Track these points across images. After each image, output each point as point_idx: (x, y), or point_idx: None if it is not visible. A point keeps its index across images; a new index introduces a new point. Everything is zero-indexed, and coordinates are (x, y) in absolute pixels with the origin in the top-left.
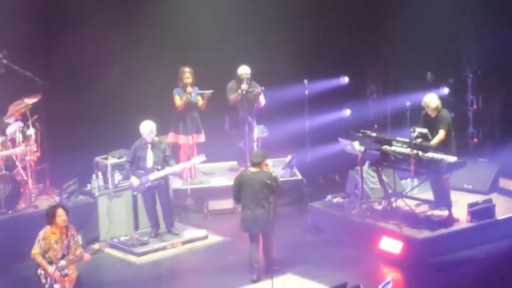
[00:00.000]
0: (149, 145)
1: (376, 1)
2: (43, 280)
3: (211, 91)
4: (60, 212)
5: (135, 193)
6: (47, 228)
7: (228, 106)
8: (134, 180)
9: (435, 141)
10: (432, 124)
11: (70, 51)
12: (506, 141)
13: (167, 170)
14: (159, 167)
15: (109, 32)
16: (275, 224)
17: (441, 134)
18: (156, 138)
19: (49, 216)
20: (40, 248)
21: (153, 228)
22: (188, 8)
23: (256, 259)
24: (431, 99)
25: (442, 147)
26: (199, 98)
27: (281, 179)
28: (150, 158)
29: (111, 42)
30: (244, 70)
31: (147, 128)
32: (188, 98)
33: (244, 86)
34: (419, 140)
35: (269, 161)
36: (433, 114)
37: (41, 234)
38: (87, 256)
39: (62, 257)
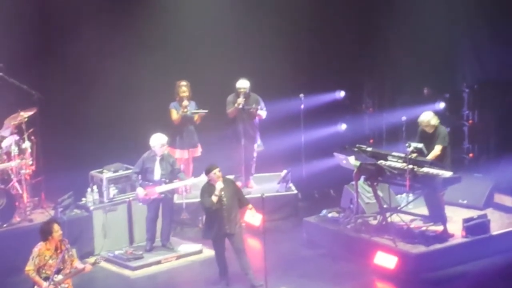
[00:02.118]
0: (158, 158)
1: (373, 16)
2: None
3: (206, 111)
4: (56, 227)
5: (139, 204)
6: (41, 245)
7: (228, 119)
8: (140, 191)
9: (430, 156)
10: (428, 139)
11: (66, 65)
12: (501, 156)
13: (176, 184)
14: (167, 180)
15: (105, 46)
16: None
17: (437, 149)
18: (166, 152)
19: (45, 233)
20: (34, 265)
21: (148, 241)
22: (186, 21)
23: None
24: (429, 117)
25: (438, 162)
26: (196, 116)
27: (276, 193)
28: (157, 171)
29: (107, 57)
30: (241, 84)
31: (159, 141)
32: (184, 112)
33: (240, 100)
34: (414, 155)
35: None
36: (430, 131)
37: (35, 251)
38: (88, 267)
39: (58, 272)
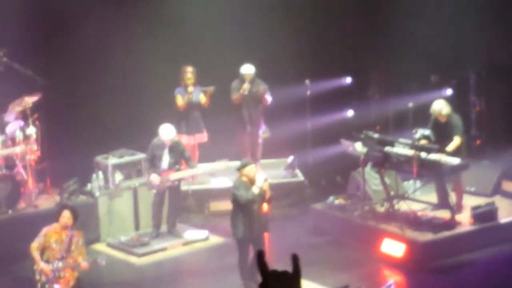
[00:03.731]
0: (167, 146)
1: (380, 2)
2: (37, 277)
3: (213, 87)
4: (65, 213)
5: (154, 191)
6: (52, 226)
7: (233, 105)
8: (155, 178)
9: (451, 147)
10: (442, 129)
11: (71, 50)
12: (510, 143)
13: (188, 171)
14: (179, 168)
15: (111, 31)
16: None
17: (457, 140)
18: (174, 139)
19: (55, 214)
20: (39, 243)
21: (154, 228)
22: (191, 7)
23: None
24: (442, 106)
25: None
26: (202, 96)
27: (282, 180)
28: (166, 159)
29: (113, 41)
30: (246, 70)
31: (167, 135)
32: (189, 98)
33: (246, 86)
34: (421, 141)
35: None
36: (443, 120)
37: (44, 230)
38: (84, 264)
39: (61, 259)
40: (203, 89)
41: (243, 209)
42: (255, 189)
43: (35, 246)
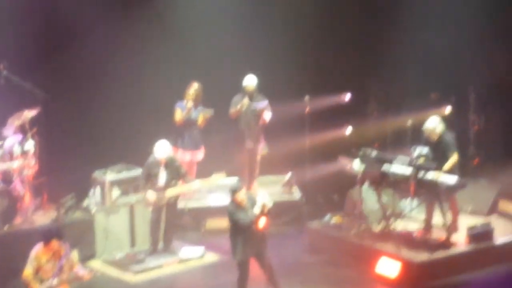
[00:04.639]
0: (163, 164)
1: (379, 19)
2: None
3: (212, 111)
4: (54, 243)
5: (150, 208)
6: (39, 247)
7: (232, 120)
8: (151, 195)
9: (448, 166)
10: (435, 148)
11: (71, 64)
12: (508, 162)
13: (184, 187)
14: (176, 184)
15: (110, 46)
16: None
17: (455, 157)
18: (170, 156)
19: (44, 238)
20: (33, 269)
21: (151, 245)
22: (191, 23)
23: None
24: (434, 125)
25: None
26: (200, 116)
27: (279, 197)
28: (163, 176)
29: (112, 56)
30: (247, 82)
31: (162, 153)
32: (188, 114)
33: (245, 101)
34: (420, 160)
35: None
36: (435, 138)
37: (33, 253)
38: (87, 276)
39: (55, 276)
40: (202, 111)
41: (242, 230)
42: (256, 209)
43: (30, 272)
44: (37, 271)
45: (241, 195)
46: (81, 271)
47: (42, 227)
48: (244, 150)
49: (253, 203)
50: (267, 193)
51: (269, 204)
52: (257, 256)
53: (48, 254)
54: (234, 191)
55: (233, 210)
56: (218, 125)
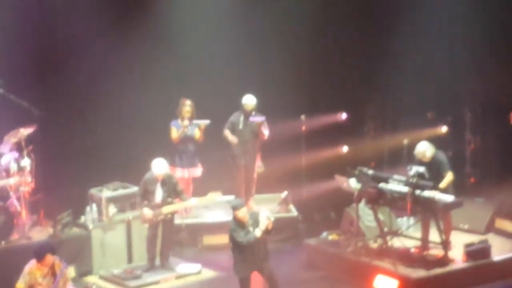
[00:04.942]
0: (160, 181)
1: (376, 38)
2: None
3: (208, 121)
4: (48, 258)
5: (146, 225)
6: (33, 264)
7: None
8: (147, 212)
9: (444, 184)
10: (429, 168)
11: (67, 83)
12: (503, 181)
13: (180, 204)
14: (172, 201)
15: (105, 64)
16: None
17: (450, 176)
18: (167, 173)
19: (37, 255)
20: (25, 283)
21: (148, 261)
22: (187, 40)
23: None
24: (425, 149)
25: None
26: (197, 131)
27: (276, 215)
28: (159, 193)
29: (108, 74)
30: (246, 101)
31: (160, 169)
32: (184, 132)
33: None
34: (416, 178)
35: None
36: (427, 160)
37: (27, 268)
38: None
39: None
40: (197, 123)
41: (243, 247)
42: (258, 232)
43: (21, 286)
44: (31, 286)
45: (243, 213)
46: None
47: (35, 243)
48: (241, 168)
49: (255, 220)
50: (268, 210)
51: (269, 226)
52: (259, 271)
53: (43, 270)
54: (235, 209)
55: (234, 228)
56: (214, 143)
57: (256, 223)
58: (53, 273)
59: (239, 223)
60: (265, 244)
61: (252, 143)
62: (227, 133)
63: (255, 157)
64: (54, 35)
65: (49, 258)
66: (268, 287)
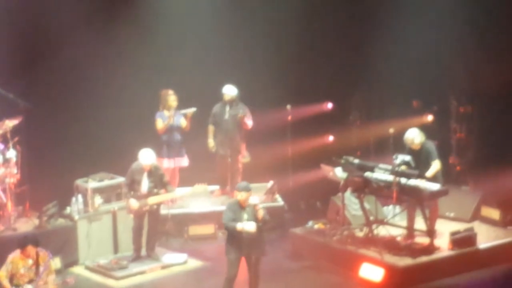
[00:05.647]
0: (146, 171)
1: (362, 27)
2: None
3: (194, 109)
4: (29, 249)
5: (131, 215)
6: (17, 253)
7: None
8: (133, 203)
9: (431, 173)
10: (417, 156)
11: (52, 74)
12: (489, 170)
13: (166, 195)
14: (158, 192)
15: (91, 55)
16: None
17: (437, 165)
18: (154, 164)
19: (20, 245)
20: (7, 271)
21: (134, 252)
22: (172, 32)
23: None
24: (414, 135)
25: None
26: (182, 120)
27: (262, 204)
28: (145, 184)
29: (94, 66)
30: (226, 90)
31: (147, 160)
32: (170, 122)
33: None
34: (401, 167)
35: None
36: (416, 148)
37: (10, 257)
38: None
39: (30, 282)
40: (184, 112)
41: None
42: (239, 226)
43: (3, 274)
44: (13, 276)
45: (241, 196)
46: (52, 280)
47: (20, 234)
48: (226, 159)
49: (254, 215)
50: (257, 197)
51: (260, 215)
52: (246, 258)
53: (25, 261)
54: (236, 189)
55: (229, 207)
56: (199, 133)
57: (253, 217)
58: (37, 265)
59: (234, 205)
60: (259, 233)
61: (236, 134)
62: (210, 129)
63: (239, 147)
64: (39, 27)
65: (31, 250)
66: (249, 279)
